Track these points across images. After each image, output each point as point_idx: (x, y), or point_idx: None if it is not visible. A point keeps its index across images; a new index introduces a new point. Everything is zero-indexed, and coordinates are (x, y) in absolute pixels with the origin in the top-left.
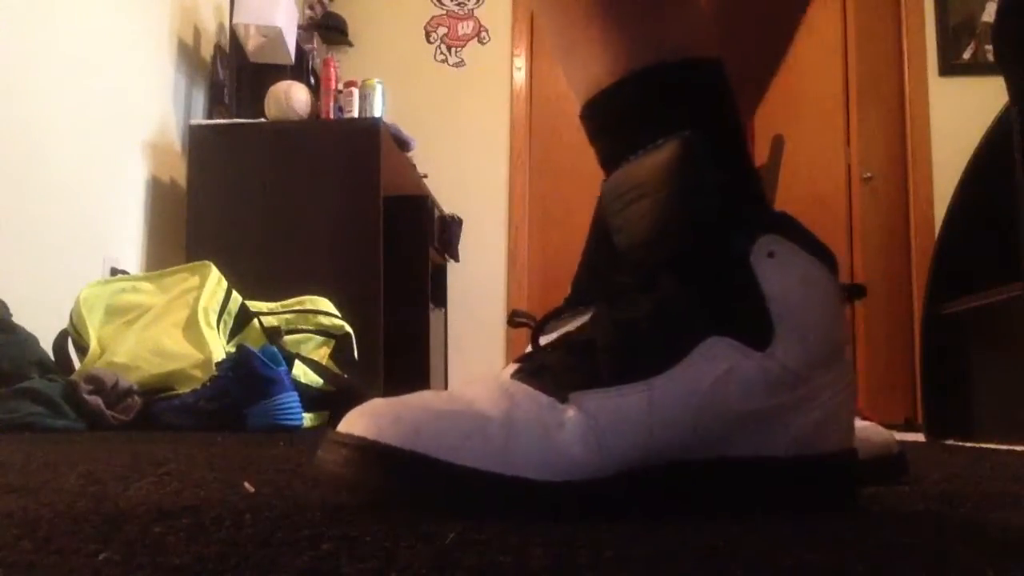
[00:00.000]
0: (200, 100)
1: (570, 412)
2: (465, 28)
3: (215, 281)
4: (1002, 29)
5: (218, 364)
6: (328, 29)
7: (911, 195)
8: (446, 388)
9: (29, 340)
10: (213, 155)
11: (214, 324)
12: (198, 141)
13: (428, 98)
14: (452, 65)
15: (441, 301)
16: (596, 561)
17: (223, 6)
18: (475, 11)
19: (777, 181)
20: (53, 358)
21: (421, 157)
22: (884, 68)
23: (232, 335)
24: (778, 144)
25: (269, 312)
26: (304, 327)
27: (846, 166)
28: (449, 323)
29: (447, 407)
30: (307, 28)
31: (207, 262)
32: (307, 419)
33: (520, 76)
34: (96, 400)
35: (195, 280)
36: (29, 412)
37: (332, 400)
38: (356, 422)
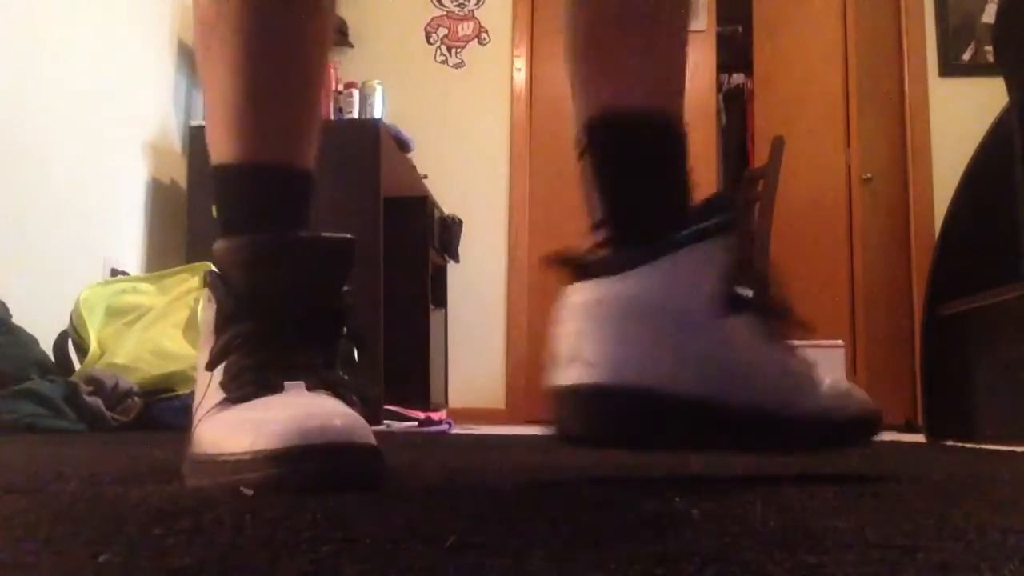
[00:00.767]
0: (200, 101)
1: None
2: (465, 29)
3: None
4: (1002, 30)
5: None
6: None
7: (911, 195)
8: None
9: (29, 341)
10: None
11: None
12: (198, 142)
13: (428, 99)
14: (452, 66)
15: (441, 301)
16: (597, 562)
17: None
18: (475, 12)
19: (777, 182)
20: (53, 359)
21: (421, 158)
22: (884, 69)
23: None
24: (778, 145)
25: None
26: None
27: (846, 167)
28: (449, 323)
29: None
30: None
31: (207, 263)
32: None
33: (520, 77)
34: (96, 401)
35: (195, 281)
36: (29, 413)
37: None
38: None
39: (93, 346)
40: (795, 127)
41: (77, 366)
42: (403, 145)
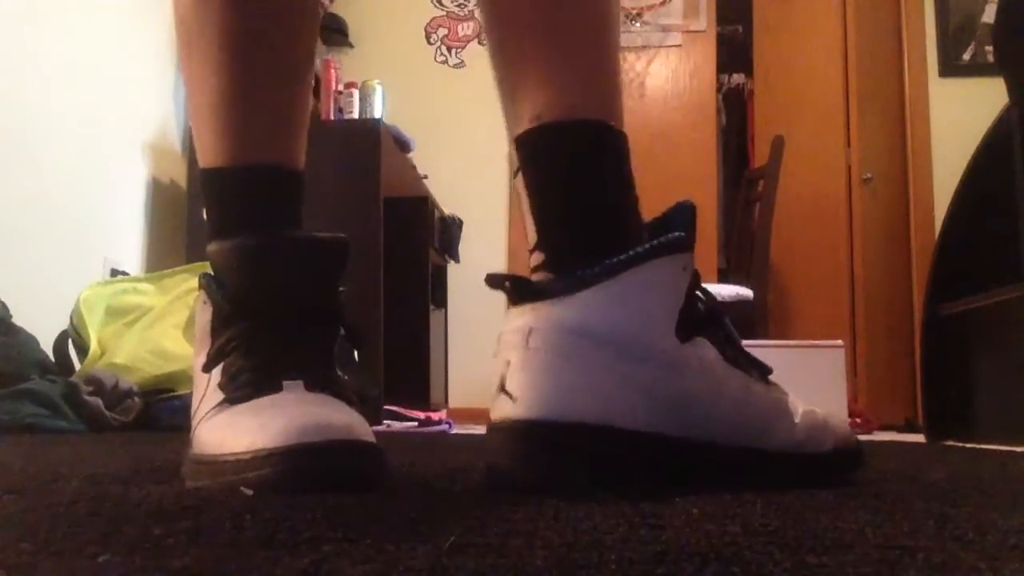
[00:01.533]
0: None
1: None
2: (465, 29)
3: None
4: (1002, 30)
5: None
6: (328, 30)
7: (911, 195)
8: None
9: (29, 341)
10: None
11: None
12: None
13: (428, 99)
14: (452, 66)
15: (441, 301)
16: (597, 563)
17: None
18: (475, 12)
19: (777, 182)
20: (53, 359)
21: (421, 158)
22: (884, 69)
23: None
24: (778, 145)
25: None
26: None
27: (846, 167)
28: (449, 323)
29: None
30: None
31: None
32: None
33: None
34: (96, 401)
35: (195, 281)
36: (29, 413)
37: None
38: None
39: (93, 346)
40: (795, 127)
41: (77, 366)
42: (403, 145)
